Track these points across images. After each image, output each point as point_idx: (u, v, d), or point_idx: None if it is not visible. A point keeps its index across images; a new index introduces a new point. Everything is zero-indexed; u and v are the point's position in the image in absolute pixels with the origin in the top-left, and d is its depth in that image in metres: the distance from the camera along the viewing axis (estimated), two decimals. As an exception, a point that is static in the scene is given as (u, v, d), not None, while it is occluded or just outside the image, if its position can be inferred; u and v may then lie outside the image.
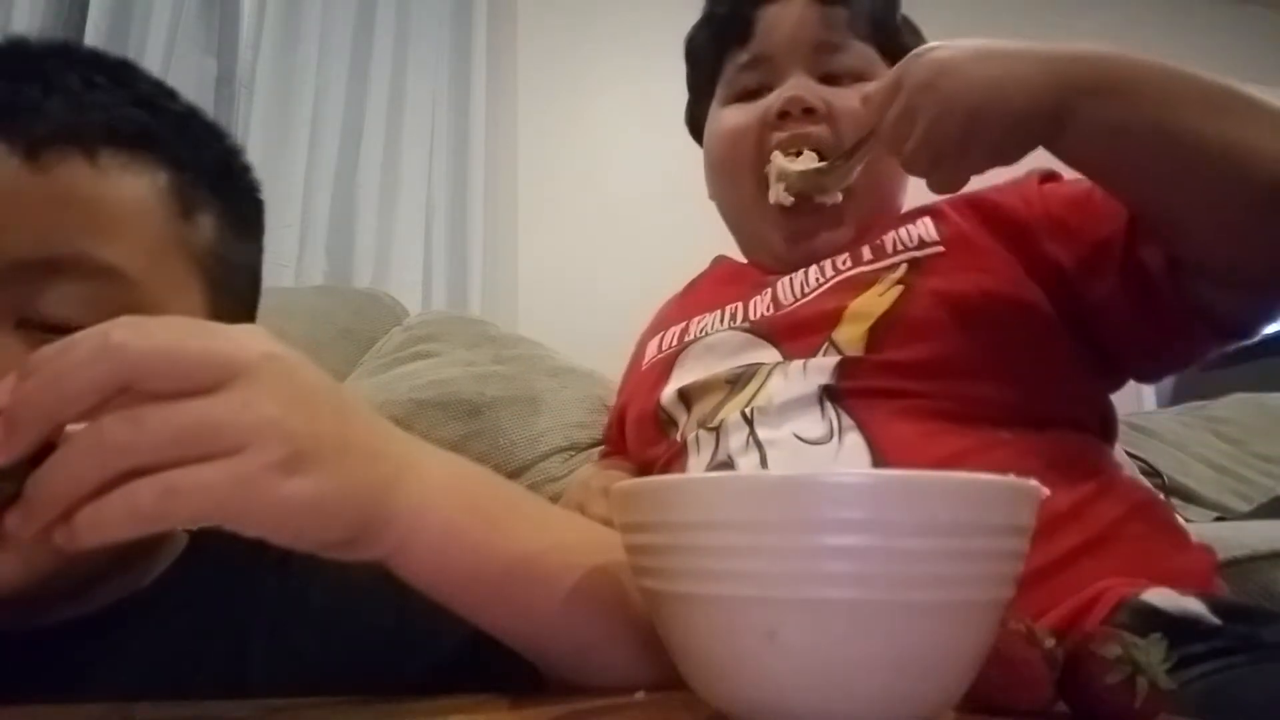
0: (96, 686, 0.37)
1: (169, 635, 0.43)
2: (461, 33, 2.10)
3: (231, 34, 1.88)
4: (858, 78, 0.75)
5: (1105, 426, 0.68)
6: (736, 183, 0.78)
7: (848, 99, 0.73)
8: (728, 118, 0.79)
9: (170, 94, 0.46)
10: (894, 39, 0.78)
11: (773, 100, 0.75)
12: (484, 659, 0.40)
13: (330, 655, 0.44)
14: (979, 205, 0.70)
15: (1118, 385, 0.69)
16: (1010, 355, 0.62)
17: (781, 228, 0.75)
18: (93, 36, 1.72)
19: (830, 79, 0.75)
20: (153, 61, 1.75)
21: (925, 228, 0.69)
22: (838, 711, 0.29)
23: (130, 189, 0.40)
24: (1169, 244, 0.59)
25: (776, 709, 0.29)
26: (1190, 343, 0.62)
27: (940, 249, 0.67)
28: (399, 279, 1.89)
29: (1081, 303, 0.64)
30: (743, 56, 0.78)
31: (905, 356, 0.62)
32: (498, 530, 0.37)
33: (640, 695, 0.37)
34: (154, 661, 0.42)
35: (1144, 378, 0.69)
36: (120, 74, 0.43)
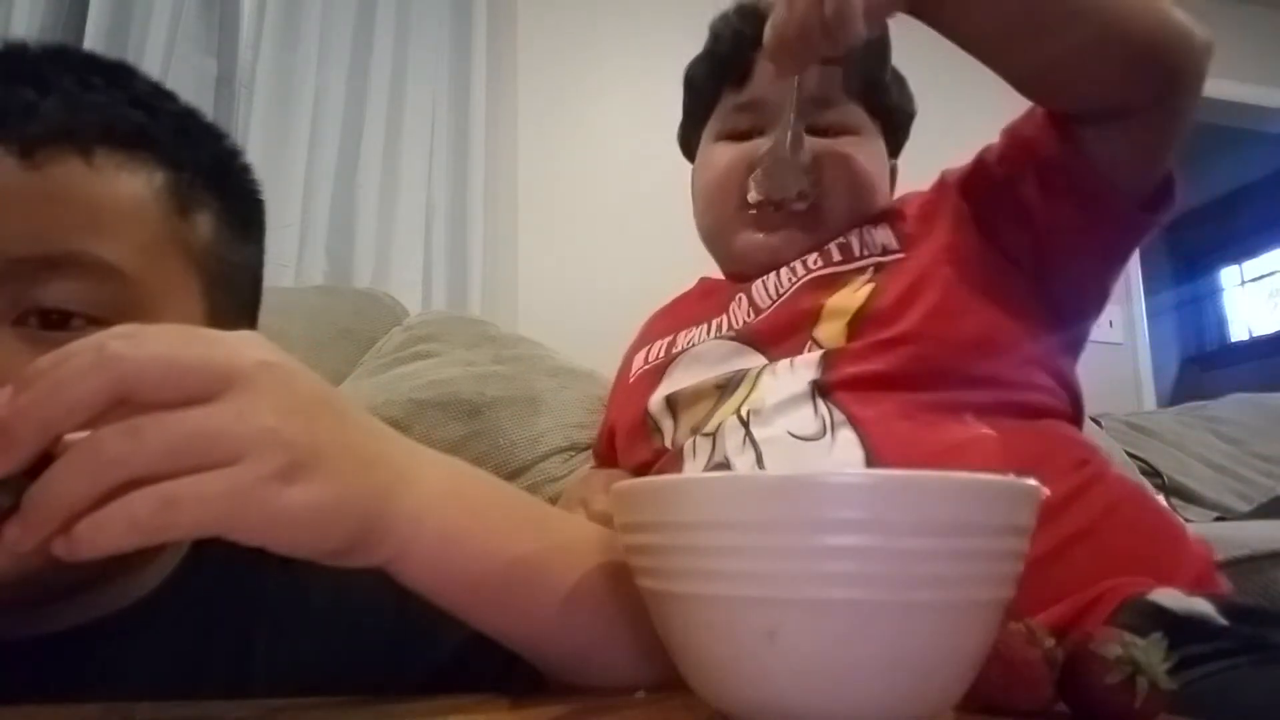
0: (102, 692, 0.37)
1: (173, 640, 0.43)
2: (461, 33, 2.09)
3: (231, 34, 1.88)
4: (842, 132, 0.80)
5: (1074, 403, 0.72)
6: (719, 211, 0.83)
7: (832, 147, 0.79)
8: (718, 154, 0.83)
9: (168, 95, 0.46)
10: (883, 97, 0.83)
11: (757, 145, 0.79)
12: (484, 659, 0.40)
13: (331, 656, 0.44)
14: (919, 204, 0.77)
15: (1074, 340, 0.74)
16: (982, 322, 0.66)
17: (751, 229, 0.80)
18: (93, 36, 1.72)
19: (818, 131, 0.79)
20: (153, 61, 1.75)
21: (886, 235, 0.75)
22: (838, 711, 0.29)
23: (126, 187, 0.40)
24: (1046, 99, 0.67)
25: (776, 709, 0.29)
26: (1104, 218, 0.68)
27: (900, 255, 0.72)
28: (399, 279, 1.89)
29: (1012, 241, 0.71)
30: (738, 98, 0.83)
31: (887, 335, 0.65)
32: (497, 535, 0.37)
33: (640, 695, 0.37)
34: (159, 666, 0.42)
35: (1089, 294, 0.74)
36: (117, 75, 0.43)
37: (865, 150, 0.81)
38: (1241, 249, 4.56)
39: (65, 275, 0.38)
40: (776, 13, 0.63)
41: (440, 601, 0.36)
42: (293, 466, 0.28)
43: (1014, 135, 0.72)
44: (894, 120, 0.85)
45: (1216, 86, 2.98)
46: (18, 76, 0.40)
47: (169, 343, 0.28)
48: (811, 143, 0.78)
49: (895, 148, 0.87)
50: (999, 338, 0.66)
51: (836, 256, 0.74)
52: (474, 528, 0.36)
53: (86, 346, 0.27)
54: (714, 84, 0.85)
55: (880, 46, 0.82)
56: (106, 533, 0.26)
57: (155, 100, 0.44)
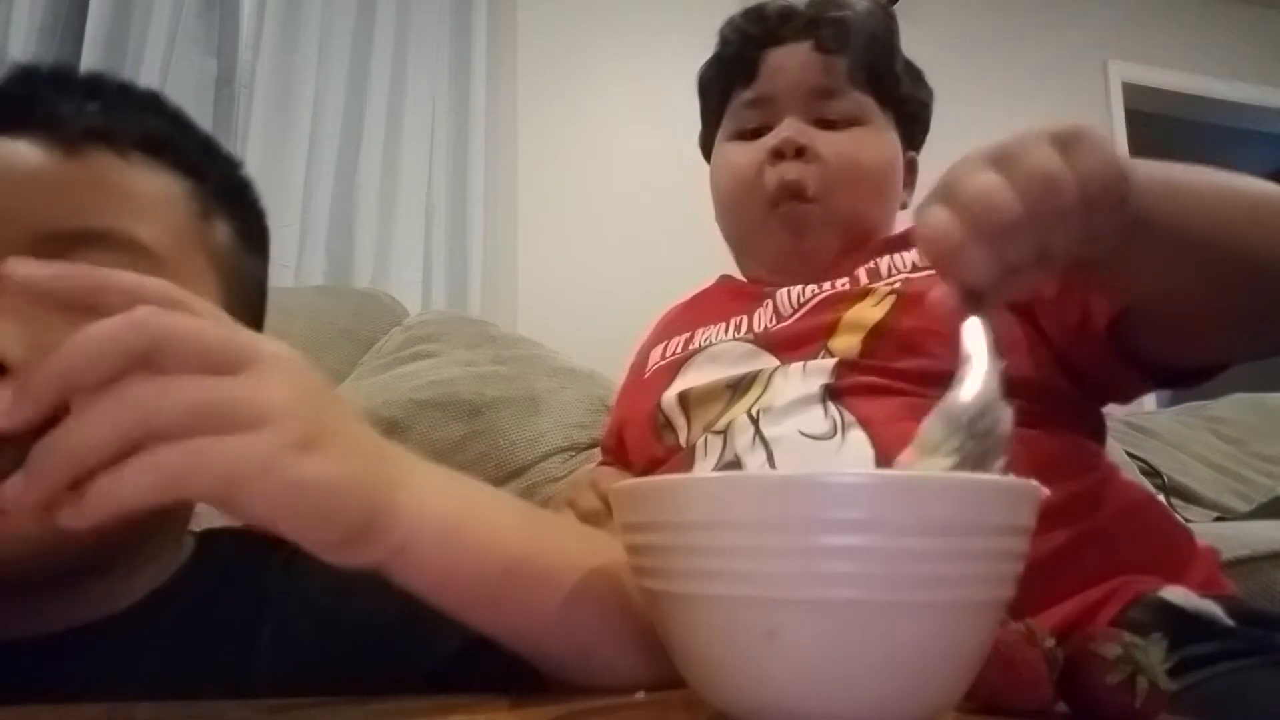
0: (104, 691, 0.37)
1: (176, 639, 0.43)
2: (461, 33, 2.10)
3: (231, 34, 1.88)
4: (852, 123, 0.80)
5: (1096, 432, 0.68)
6: (740, 210, 0.83)
7: (836, 143, 0.78)
8: (731, 153, 0.84)
9: (191, 120, 0.50)
10: (892, 89, 0.82)
11: (768, 140, 0.80)
12: (486, 659, 0.40)
13: (335, 656, 0.44)
14: None
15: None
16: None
17: (779, 232, 0.79)
18: (93, 36, 1.72)
19: (826, 123, 0.80)
20: (153, 61, 1.75)
21: (918, 255, 0.71)
22: (838, 711, 0.29)
23: (158, 183, 0.44)
24: (1152, 309, 0.57)
25: (776, 709, 0.29)
26: (1122, 381, 0.63)
27: (931, 271, 0.68)
28: (399, 279, 1.89)
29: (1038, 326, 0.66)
30: (746, 95, 0.83)
31: (899, 366, 0.63)
32: (497, 530, 0.37)
33: (640, 695, 0.37)
34: (162, 665, 0.42)
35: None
36: (149, 99, 0.48)
37: (873, 141, 0.80)
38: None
39: (99, 249, 0.40)
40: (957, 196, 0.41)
41: (441, 599, 0.36)
42: (310, 440, 0.29)
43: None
44: (906, 111, 0.84)
45: (1216, 86, 2.99)
46: (63, 88, 0.44)
47: (196, 315, 0.29)
48: (816, 132, 0.78)
49: (912, 140, 0.86)
50: (1021, 382, 0.62)
51: (864, 280, 0.73)
52: (475, 521, 0.36)
53: (114, 310, 0.28)
54: (723, 85, 0.86)
55: (887, 36, 0.82)
56: (127, 484, 0.26)
57: (182, 120, 0.49)
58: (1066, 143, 0.41)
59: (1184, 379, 0.61)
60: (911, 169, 0.87)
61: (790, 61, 0.81)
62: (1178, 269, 0.50)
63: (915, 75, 0.86)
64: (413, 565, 0.34)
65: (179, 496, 0.27)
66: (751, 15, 0.84)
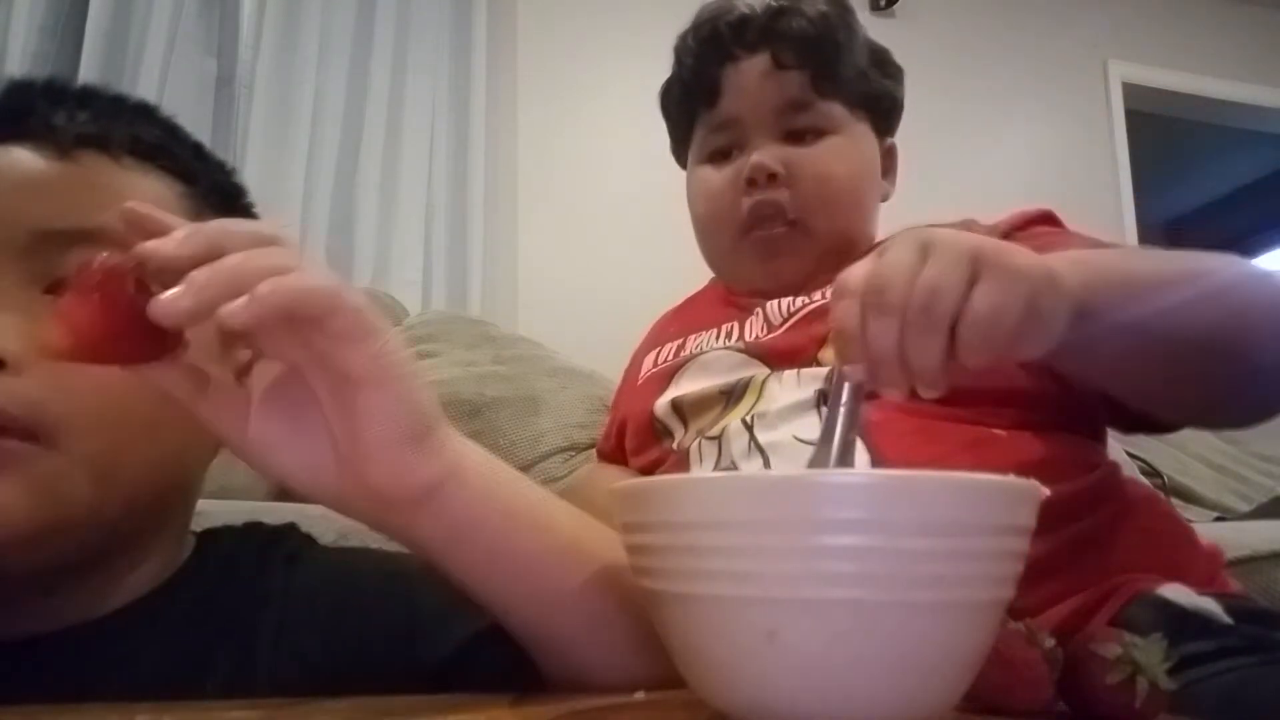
0: (106, 688, 0.37)
1: (179, 638, 0.44)
2: (461, 33, 2.10)
3: (231, 34, 1.88)
4: (823, 134, 0.78)
5: (1097, 432, 0.68)
6: (718, 236, 0.82)
7: (809, 162, 0.76)
8: (704, 179, 0.82)
9: (182, 128, 0.51)
10: (860, 89, 0.80)
11: (740, 167, 0.78)
12: (486, 658, 0.40)
13: (336, 655, 0.44)
14: None
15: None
16: (996, 378, 0.61)
17: (750, 260, 0.79)
18: (93, 36, 1.72)
19: (793, 137, 0.78)
20: (153, 61, 1.75)
21: None
22: (838, 711, 0.29)
23: (151, 185, 0.45)
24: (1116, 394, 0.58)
25: (776, 709, 0.29)
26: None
27: None
28: (399, 279, 1.89)
29: None
30: (712, 118, 0.81)
31: None
32: (524, 483, 0.40)
33: (640, 695, 0.37)
34: (166, 665, 0.42)
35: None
36: (141, 108, 0.50)
37: (847, 152, 0.79)
38: (1241, 249, 4.55)
39: (95, 246, 0.40)
40: (864, 277, 0.40)
41: (471, 549, 0.37)
42: None
43: None
44: (879, 106, 0.82)
45: (1216, 86, 2.99)
46: (57, 99, 0.45)
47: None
48: (787, 153, 0.76)
49: (888, 128, 0.84)
50: (1017, 390, 0.62)
51: None
52: (504, 469, 0.39)
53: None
54: (687, 108, 0.84)
55: (847, 36, 0.80)
56: (288, 280, 0.30)
57: (173, 127, 0.50)
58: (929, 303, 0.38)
59: (1144, 426, 0.62)
60: (890, 155, 0.85)
61: (750, 81, 0.78)
62: (1128, 353, 0.50)
63: (881, 62, 0.84)
64: (463, 492, 0.36)
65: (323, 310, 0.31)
66: (703, 31, 0.81)
